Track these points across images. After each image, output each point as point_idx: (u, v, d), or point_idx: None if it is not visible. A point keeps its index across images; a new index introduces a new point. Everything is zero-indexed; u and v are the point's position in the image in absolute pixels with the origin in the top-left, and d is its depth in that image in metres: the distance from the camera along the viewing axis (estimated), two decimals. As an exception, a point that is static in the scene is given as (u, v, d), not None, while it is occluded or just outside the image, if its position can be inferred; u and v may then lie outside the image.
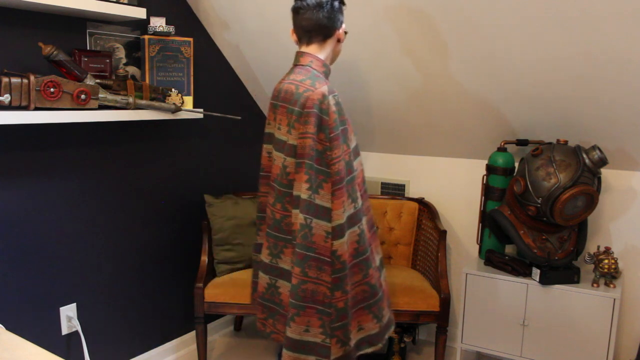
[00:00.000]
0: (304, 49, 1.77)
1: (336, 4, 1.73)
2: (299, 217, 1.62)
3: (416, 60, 2.26)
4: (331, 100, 1.64)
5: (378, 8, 2.09)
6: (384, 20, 2.13)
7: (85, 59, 2.07)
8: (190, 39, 2.38)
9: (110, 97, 2.02)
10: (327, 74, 1.76)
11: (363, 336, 1.77)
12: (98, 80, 2.04)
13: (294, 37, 1.80)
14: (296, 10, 1.74)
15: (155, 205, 2.51)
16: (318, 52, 1.76)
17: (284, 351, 1.70)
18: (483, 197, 2.49)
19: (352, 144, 1.73)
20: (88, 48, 2.16)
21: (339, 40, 1.80)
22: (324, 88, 1.65)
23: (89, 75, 1.98)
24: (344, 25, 1.79)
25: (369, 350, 1.78)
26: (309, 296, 1.64)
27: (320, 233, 1.61)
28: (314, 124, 1.61)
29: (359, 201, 1.71)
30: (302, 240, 1.62)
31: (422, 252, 2.64)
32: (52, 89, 1.83)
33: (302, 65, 1.74)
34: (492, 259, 2.35)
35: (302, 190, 1.62)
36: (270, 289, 1.78)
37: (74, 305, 2.22)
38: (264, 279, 1.82)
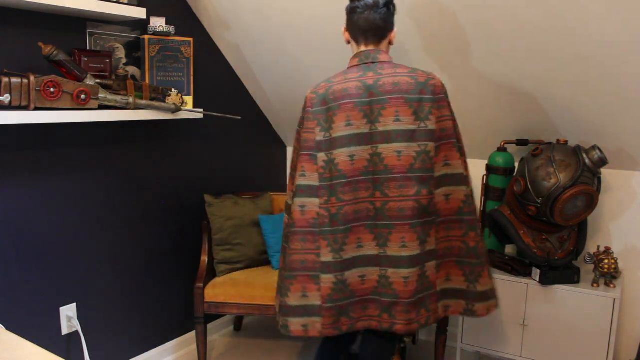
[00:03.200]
0: (363, 48, 1.81)
1: (391, 7, 1.79)
2: (462, 191, 1.80)
3: (417, 60, 2.26)
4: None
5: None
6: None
7: (85, 59, 2.07)
8: (190, 39, 2.38)
9: (110, 97, 2.02)
10: None
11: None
12: (98, 80, 2.04)
13: (346, 36, 1.86)
14: (352, 10, 1.79)
15: (155, 205, 2.51)
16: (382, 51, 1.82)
17: (481, 305, 1.85)
18: (483, 197, 2.49)
19: None
20: (88, 48, 2.16)
21: (390, 43, 1.85)
22: (437, 76, 1.85)
23: (89, 75, 1.98)
24: (396, 29, 1.84)
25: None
26: (484, 252, 1.85)
27: (471, 196, 1.84)
28: (448, 107, 1.77)
29: None
30: (469, 208, 1.81)
31: (422, 252, 2.64)
32: (52, 89, 1.83)
33: (386, 61, 1.79)
34: (492, 259, 2.35)
35: (461, 167, 1.80)
36: (421, 279, 1.79)
37: (74, 305, 2.22)
38: (414, 273, 1.77)
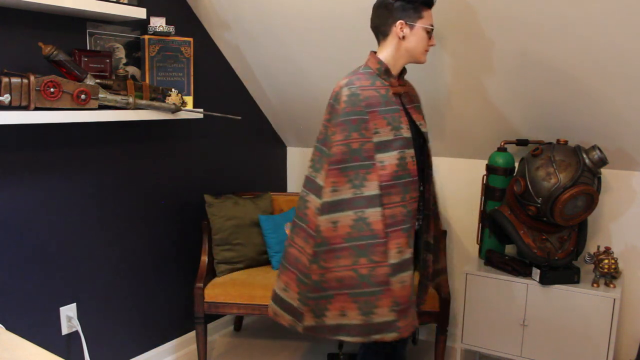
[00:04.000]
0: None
1: (390, 1, 1.73)
2: (301, 190, 1.84)
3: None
4: (345, 91, 1.73)
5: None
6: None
7: (85, 59, 2.07)
8: (190, 39, 2.38)
9: (110, 97, 2.02)
10: (380, 71, 1.78)
11: (343, 322, 1.72)
12: (98, 80, 2.04)
13: None
14: None
15: (155, 205, 2.51)
16: (380, 51, 1.81)
17: (270, 302, 1.90)
18: (483, 197, 2.49)
19: (378, 138, 1.70)
20: (88, 48, 2.16)
21: (403, 38, 1.74)
22: (344, 81, 1.77)
23: (89, 75, 1.98)
24: (400, 22, 1.72)
25: (347, 339, 1.72)
26: (292, 261, 1.82)
27: (312, 208, 1.77)
28: (328, 111, 1.79)
29: (367, 190, 1.68)
30: (297, 211, 1.83)
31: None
32: (52, 89, 1.83)
33: (363, 64, 1.84)
34: (492, 259, 2.35)
35: (308, 167, 1.83)
36: None
37: (74, 305, 2.22)
38: None
